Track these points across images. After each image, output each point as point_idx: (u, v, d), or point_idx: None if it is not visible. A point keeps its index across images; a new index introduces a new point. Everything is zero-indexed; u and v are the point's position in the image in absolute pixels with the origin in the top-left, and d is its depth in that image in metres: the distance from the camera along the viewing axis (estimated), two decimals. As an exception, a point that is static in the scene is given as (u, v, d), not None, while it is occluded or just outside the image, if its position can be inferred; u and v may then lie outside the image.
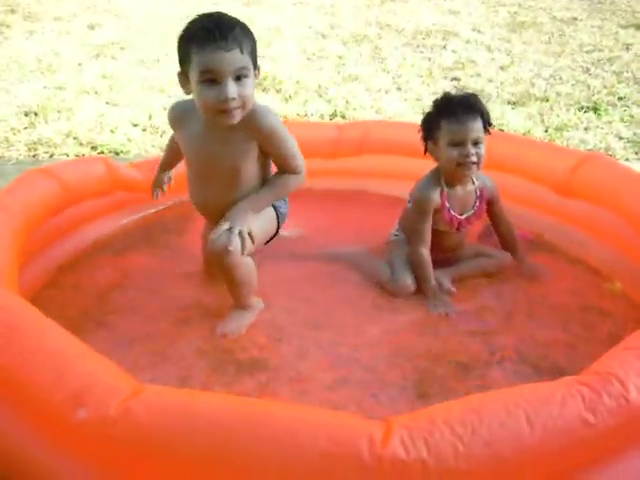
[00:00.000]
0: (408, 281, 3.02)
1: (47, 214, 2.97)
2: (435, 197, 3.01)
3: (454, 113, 2.93)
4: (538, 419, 1.61)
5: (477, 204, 3.11)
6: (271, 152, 2.75)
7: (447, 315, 2.88)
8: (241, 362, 2.61)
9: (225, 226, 2.64)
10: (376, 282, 3.09)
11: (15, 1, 9.53)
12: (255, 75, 2.62)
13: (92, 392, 1.72)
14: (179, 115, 2.87)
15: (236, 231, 2.63)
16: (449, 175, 3.02)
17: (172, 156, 3.15)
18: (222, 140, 2.69)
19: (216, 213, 2.78)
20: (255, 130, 2.66)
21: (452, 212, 3.06)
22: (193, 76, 2.57)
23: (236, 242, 2.62)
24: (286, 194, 2.87)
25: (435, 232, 3.06)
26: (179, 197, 3.43)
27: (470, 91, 3.18)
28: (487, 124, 2.98)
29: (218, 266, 2.69)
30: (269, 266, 2.91)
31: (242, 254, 2.65)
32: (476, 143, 2.93)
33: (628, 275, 3.01)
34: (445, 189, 3.03)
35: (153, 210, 3.52)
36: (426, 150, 3.08)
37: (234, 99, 2.51)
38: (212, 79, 2.52)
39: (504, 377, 2.51)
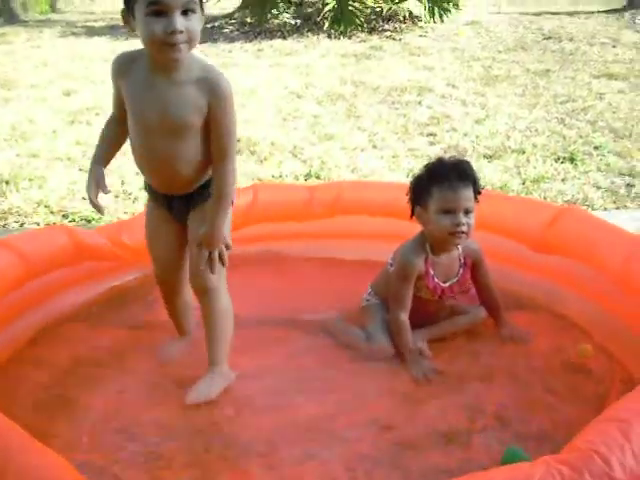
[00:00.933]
0: (386, 344, 2.93)
1: (6, 288, 2.86)
2: (419, 263, 2.94)
3: (447, 180, 2.85)
4: (515, 504, 1.51)
5: (461, 272, 3.03)
6: (214, 123, 2.55)
7: (427, 379, 2.77)
8: (210, 437, 2.50)
9: (205, 255, 2.61)
10: (351, 347, 2.99)
11: (-8, 69, 9.58)
12: (201, 19, 2.49)
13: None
14: (124, 64, 2.66)
15: (215, 255, 2.62)
16: (435, 242, 2.95)
17: (112, 141, 2.88)
18: (170, 89, 2.54)
19: (160, 174, 2.71)
20: (210, 90, 2.51)
21: (436, 280, 2.97)
22: (139, 10, 2.42)
23: (217, 267, 2.64)
24: (234, 189, 2.65)
25: (417, 299, 2.97)
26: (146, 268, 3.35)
27: (451, 151, 3.13)
28: (477, 192, 2.91)
29: (201, 300, 2.74)
30: (238, 331, 2.80)
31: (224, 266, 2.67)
32: (467, 212, 2.86)
33: (609, 330, 2.93)
34: (430, 256, 2.95)
35: (119, 282, 3.42)
36: (413, 214, 2.99)
37: (182, 32, 2.39)
38: (159, 11, 2.39)
39: (486, 446, 2.40)
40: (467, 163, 2.99)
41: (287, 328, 3.14)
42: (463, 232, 2.85)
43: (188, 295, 2.92)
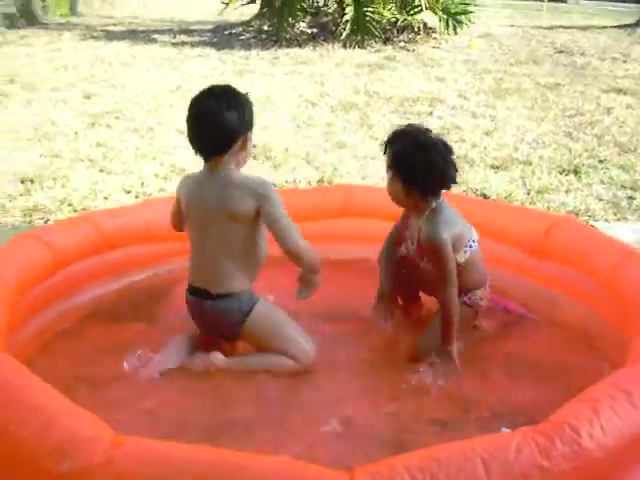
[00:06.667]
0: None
1: (37, 279, 3.08)
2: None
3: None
4: (494, 465, 1.72)
5: (417, 243, 3.16)
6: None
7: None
8: (223, 422, 2.69)
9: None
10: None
11: (15, 71, 9.84)
12: None
13: (75, 444, 1.82)
14: None
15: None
16: None
17: None
18: None
19: None
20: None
21: (407, 234, 3.21)
22: None
23: None
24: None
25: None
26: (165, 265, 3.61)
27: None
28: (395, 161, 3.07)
29: None
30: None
31: None
32: None
33: (602, 332, 3.11)
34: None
35: (141, 277, 3.63)
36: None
37: None
38: None
39: (479, 433, 2.57)
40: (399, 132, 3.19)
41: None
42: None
43: None
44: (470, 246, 3.11)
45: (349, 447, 2.53)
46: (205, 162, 2.96)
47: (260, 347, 3.01)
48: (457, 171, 3.10)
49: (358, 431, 2.63)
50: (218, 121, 2.85)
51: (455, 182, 3.11)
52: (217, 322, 3.01)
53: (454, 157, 3.10)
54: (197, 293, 3.00)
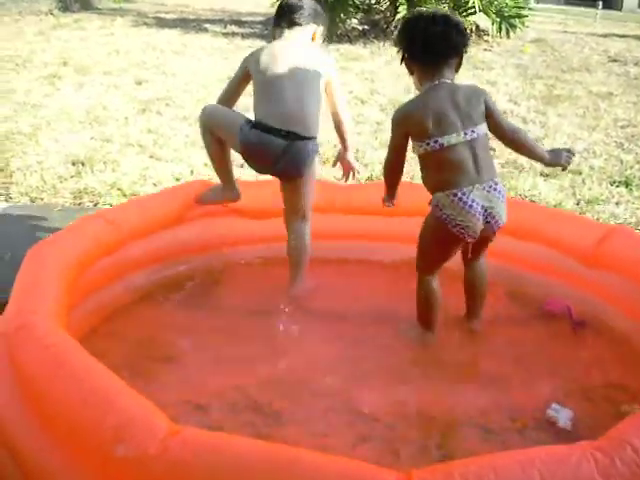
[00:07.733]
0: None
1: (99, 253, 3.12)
2: None
3: None
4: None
5: None
6: None
7: None
8: (268, 416, 2.71)
9: None
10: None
11: (68, 54, 9.97)
12: None
13: (132, 430, 1.84)
14: None
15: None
16: None
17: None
18: None
19: None
20: None
21: None
22: None
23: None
24: None
25: None
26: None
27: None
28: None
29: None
30: (301, 325, 3.03)
31: None
32: None
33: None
34: None
35: (192, 264, 3.65)
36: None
37: None
38: None
39: (524, 444, 2.55)
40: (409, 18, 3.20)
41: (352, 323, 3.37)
42: None
43: None
44: (428, 144, 2.99)
45: (392, 449, 2.52)
46: (287, 28, 3.51)
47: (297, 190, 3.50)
48: (453, 41, 3.00)
49: (402, 434, 2.62)
50: None
51: (449, 49, 3.00)
52: (296, 161, 3.35)
53: (454, 29, 3.00)
54: (286, 136, 3.30)
